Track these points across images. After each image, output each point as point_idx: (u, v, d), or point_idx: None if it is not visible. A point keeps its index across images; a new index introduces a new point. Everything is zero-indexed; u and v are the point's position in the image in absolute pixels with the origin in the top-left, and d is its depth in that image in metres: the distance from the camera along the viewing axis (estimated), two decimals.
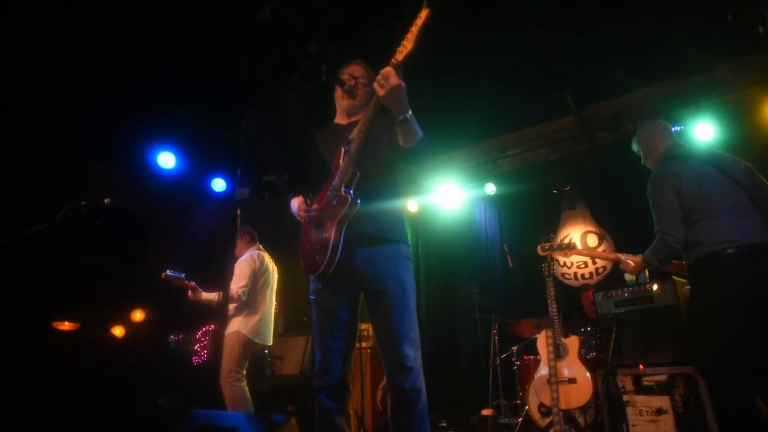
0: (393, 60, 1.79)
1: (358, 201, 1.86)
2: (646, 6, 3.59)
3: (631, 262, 2.78)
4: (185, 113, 4.68)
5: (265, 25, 3.40)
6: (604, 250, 5.07)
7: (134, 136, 4.77)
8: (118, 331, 7.96)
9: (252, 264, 3.80)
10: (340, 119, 2.24)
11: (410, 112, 1.82)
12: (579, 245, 5.27)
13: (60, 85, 4.27)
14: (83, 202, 3.32)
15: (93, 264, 6.64)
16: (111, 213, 3.40)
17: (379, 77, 1.76)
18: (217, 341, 4.11)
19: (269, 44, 3.76)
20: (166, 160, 4.85)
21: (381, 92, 1.76)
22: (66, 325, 6.48)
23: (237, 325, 3.70)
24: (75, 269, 6.44)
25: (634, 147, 2.99)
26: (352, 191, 1.87)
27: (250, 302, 3.79)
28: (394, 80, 1.73)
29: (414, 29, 1.78)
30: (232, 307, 3.73)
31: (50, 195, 4.78)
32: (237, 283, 3.70)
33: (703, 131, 4.34)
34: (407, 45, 1.78)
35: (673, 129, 4.48)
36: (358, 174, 1.90)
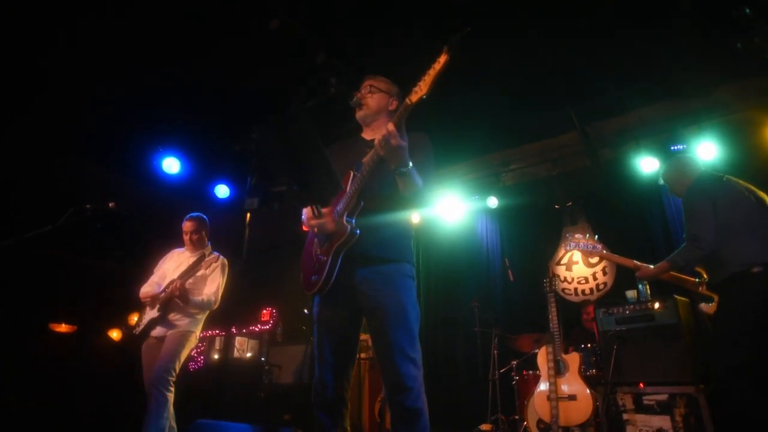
0: (407, 101, 1.79)
1: (357, 232, 1.88)
2: (650, 28, 3.64)
3: (650, 266, 2.90)
4: (190, 119, 4.71)
5: (273, 36, 3.45)
6: (605, 267, 5.08)
7: (139, 141, 4.80)
8: (115, 334, 7.92)
9: (225, 271, 3.59)
10: (365, 133, 2.27)
11: (410, 164, 1.84)
12: (581, 261, 5.28)
13: (67, 87, 4.30)
14: (87, 206, 3.35)
15: (92, 266, 6.63)
16: (114, 217, 3.39)
17: (381, 139, 1.78)
18: (175, 340, 3.30)
19: (278, 55, 3.80)
20: (171, 165, 4.88)
21: (381, 153, 1.80)
22: (63, 327, 6.46)
23: (190, 325, 3.41)
24: (73, 271, 6.43)
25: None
26: (353, 220, 1.89)
27: None
28: (395, 142, 1.75)
29: (431, 73, 1.75)
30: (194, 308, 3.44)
31: (54, 198, 4.79)
32: (217, 291, 3.49)
33: (706, 151, 4.37)
34: (423, 88, 1.76)
35: (673, 148, 4.59)
36: (362, 204, 1.91)
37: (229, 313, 5.69)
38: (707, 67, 3.95)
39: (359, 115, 2.18)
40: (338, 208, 1.92)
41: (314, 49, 3.58)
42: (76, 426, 4.92)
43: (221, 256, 3.60)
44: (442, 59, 1.75)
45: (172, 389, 3.18)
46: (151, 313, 3.44)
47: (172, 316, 3.40)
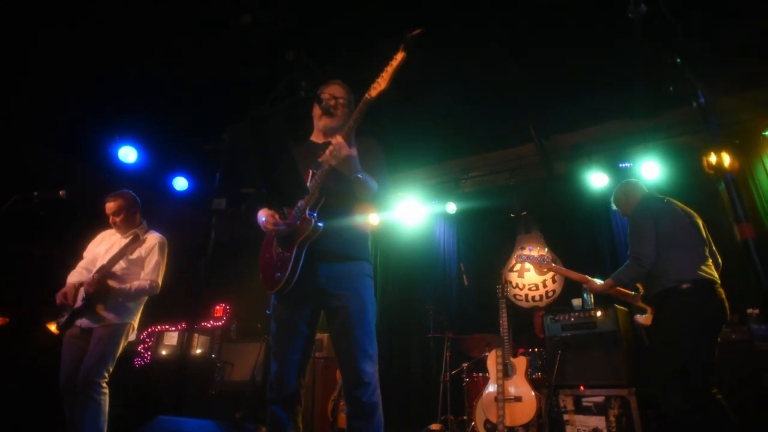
0: (366, 95, 1.88)
1: (320, 224, 1.93)
2: (606, 54, 3.89)
3: (597, 282, 3.13)
4: (150, 110, 4.57)
5: (244, 35, 3.41)
6: (555, 275, 5.33)
7: (96, 128, 4.61)
8: (53, 327, 7.51)
9: (164, 250, 3.25)
10: (316, 137, 2.29)
11: (361, 174, 1.92)
12: (532, 269, 5.51)
13: (32, 73, 4.10)
14: (35, 193, 3.17)
15: (27, 254, 6.25)
16: (64, 205, 3.21)
17: (332, 148, 1.85)
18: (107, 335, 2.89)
19: (247, 53, 3.75)
20: (127, 154, 4.71)
21: (333, 162, 1.86)
22: None
23: (123, 316, 3.03)
24: (5, 259, 6.05)
25: (614, 205, 3.39)
26: (315, 214, 1.94)
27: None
28: (345, 152, 1.84)
29: (389, 69, 1.87)
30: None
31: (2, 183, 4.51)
32: (156, 272, 3.14)
33: (650, 169, 4.70)
34: (381, 83, 1.87)
35: (621, 165, 4.90)
36: (323, 199, 1.97)
37: (180, 308, 5.55)
38: (655, 92, 4.25)
39: (329, 123, 2.18)
40: (299, 204, 1.95)
41: (284, 46, 3.56)
42: (10, 428, 4.65)
43: (158, 234, 3.25)
44: (399, 56, 1.86)
45: (106, 391, 2.85)
46: (75, 303, 3.01)
47: (100, 308, 2.97)
